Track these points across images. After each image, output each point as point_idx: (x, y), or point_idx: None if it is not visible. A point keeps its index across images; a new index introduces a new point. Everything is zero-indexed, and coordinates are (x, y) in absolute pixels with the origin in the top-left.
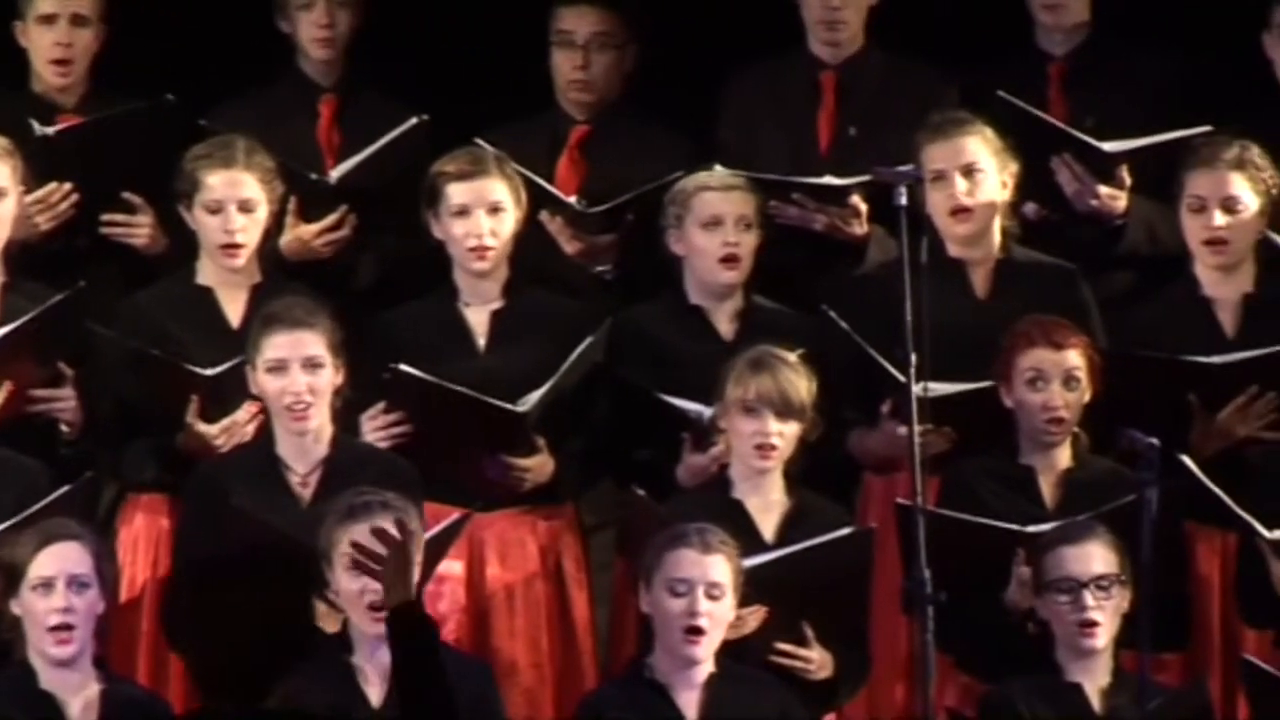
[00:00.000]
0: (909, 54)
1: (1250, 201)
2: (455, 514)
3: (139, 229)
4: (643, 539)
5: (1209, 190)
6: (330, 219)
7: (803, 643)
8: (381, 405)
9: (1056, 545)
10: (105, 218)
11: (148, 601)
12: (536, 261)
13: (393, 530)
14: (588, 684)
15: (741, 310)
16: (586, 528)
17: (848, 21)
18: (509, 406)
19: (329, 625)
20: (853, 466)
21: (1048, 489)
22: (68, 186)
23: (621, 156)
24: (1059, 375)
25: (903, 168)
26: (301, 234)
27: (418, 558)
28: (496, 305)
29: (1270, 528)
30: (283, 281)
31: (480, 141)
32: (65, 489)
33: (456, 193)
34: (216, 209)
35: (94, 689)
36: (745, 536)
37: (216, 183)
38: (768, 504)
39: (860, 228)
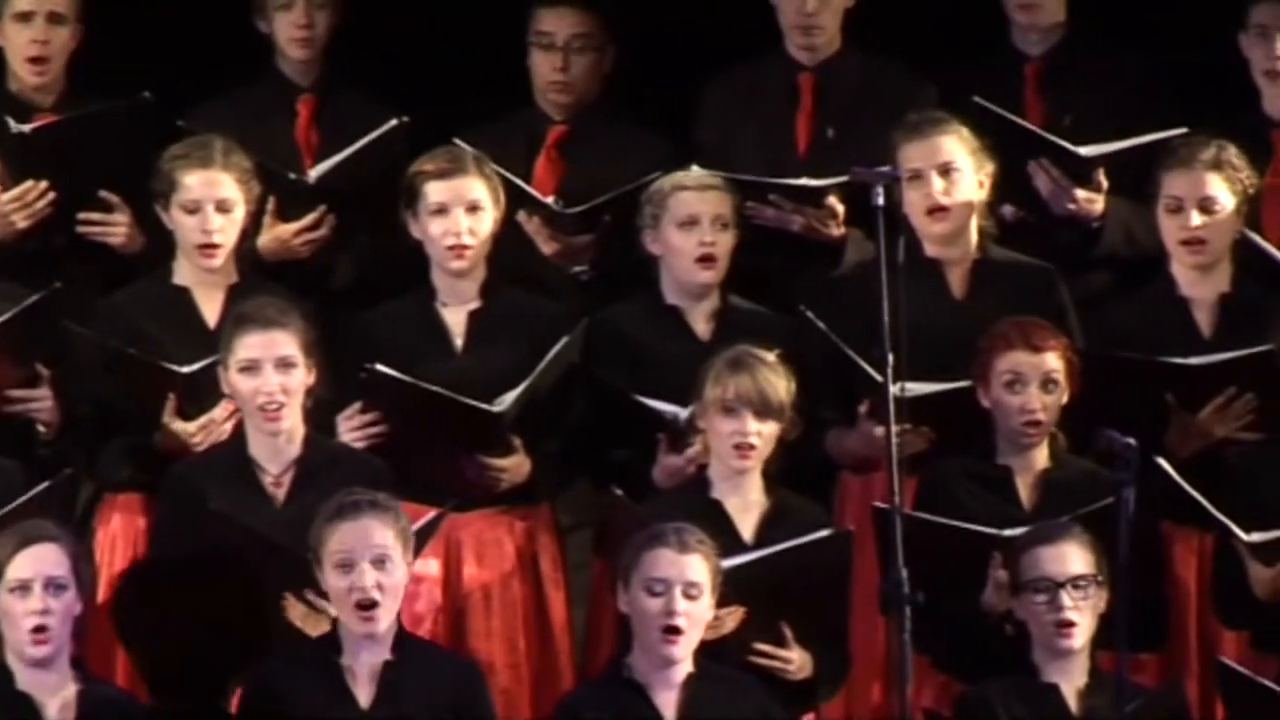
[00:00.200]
0: (886, 55)
1: (1227, 201)
2: (431, 513)
3: (116, 228)
4: (621, 539)
5: (1186, 191)
6: (309, 219)
7: (781, 643)
8: (358, 405)
9: (1033, 546)
10: (82, 216)
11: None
12: (514, 262)
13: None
14: (564, 684)
15: (718, 310)
16: (563, 528)
17: (824, 26)
18: (485, 406)
19: (309, 627)
20: (830, 466)
21: (1025, 489)
22: (44, 185)
23: (599, 157)
24: (1037, 378)
25: (880, 168)
26: (280, 234)
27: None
28: (474, 305)
29: (1247, 529)
30: (260, 281)
31: (458, 141)
32: (43, 486)
33: (435, 192)
34: (194, 209)
35: (71, 690)
36: (724, 536)
37: (194, 183)
38: (747, 504)
39: (837, 229)
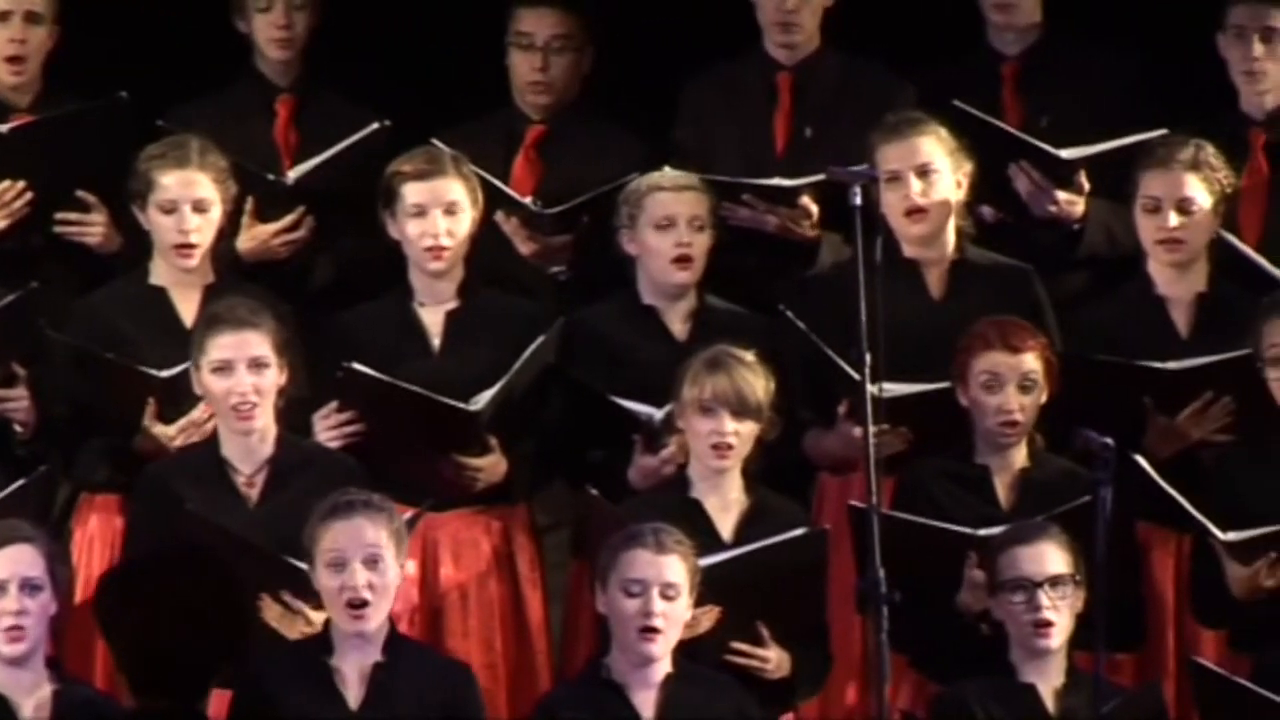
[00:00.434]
0: (865, 55)
1: (1204, 202)
2: (408, 513)
3: (93, 228)
4: (599, 540)
5: (1164, 191)
6: (288, 219)
7: (759, 642)
8: (334, 405)
9: (1011, 545)
10: (59, 216)
11: None
12: (491, 262)
13: None
14: (541, 684)
15: (694, 310)
16: (540, 528)
17: (802, 24)
18: (461, 405)
19: (285, 628)
20: (808, 466)
21: (1003, 489)
22: (21, 185)
23: (577, 157)
24: (1015, 379)
25: (857, 168)
26: (259, 234)
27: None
28: (451, 306)
29: (1224, 529)
30: (236, 282)
31: (436, 142)
32: (20, 483)
33: (413, 192)
34: (170, 209)
35: (46, 689)
36: (704, 536)
37: (170, 183)
38: (726, 503)
39: (811, 229)
